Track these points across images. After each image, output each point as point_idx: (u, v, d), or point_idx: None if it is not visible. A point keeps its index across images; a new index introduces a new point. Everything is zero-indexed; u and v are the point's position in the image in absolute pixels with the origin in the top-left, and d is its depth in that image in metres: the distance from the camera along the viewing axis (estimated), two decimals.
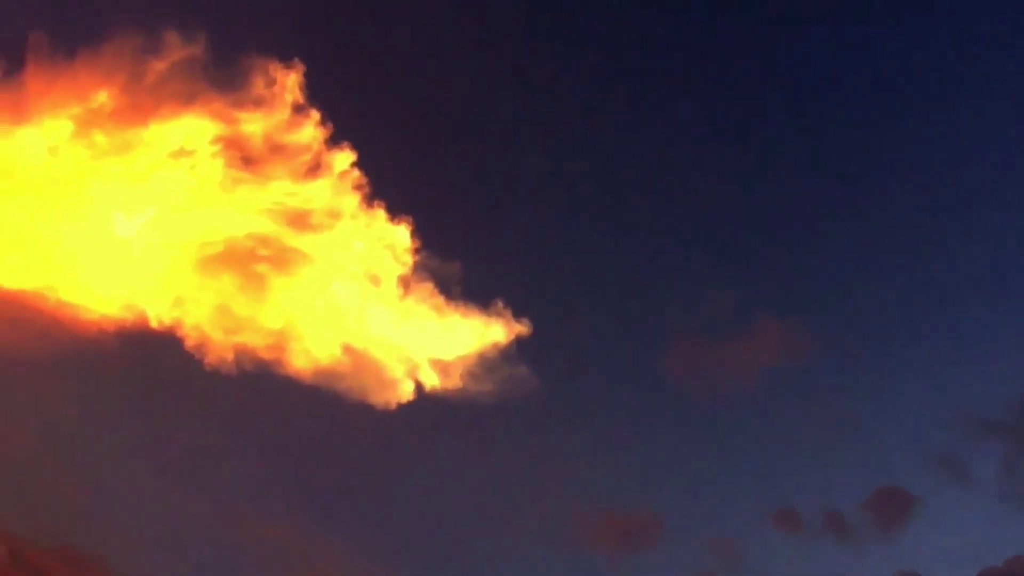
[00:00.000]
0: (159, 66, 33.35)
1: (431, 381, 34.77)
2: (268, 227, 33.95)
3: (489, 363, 34.97)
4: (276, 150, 33.77)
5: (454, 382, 34.88)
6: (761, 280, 40.04)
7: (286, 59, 33.59)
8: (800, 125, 41.18)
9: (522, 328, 34.99)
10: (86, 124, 33.62)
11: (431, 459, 36.26)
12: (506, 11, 38.34)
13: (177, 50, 33.25)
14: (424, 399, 34.59)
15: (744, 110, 40.42)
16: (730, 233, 39.95)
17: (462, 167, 37.67)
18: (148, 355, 34.37)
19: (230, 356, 33.73)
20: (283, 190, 33.89)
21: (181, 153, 33.61)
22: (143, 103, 33.56)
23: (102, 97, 33.52)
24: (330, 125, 33.81)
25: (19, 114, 33.74)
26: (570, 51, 39.13)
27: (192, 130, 33.56)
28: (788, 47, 41.30)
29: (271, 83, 33.51)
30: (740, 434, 39.38)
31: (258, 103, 33.53)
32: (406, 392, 34.59)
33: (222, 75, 33.48)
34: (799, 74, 41.36)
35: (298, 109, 33.70)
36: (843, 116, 41.34)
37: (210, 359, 33.65)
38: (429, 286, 34.45)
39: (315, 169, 33.89)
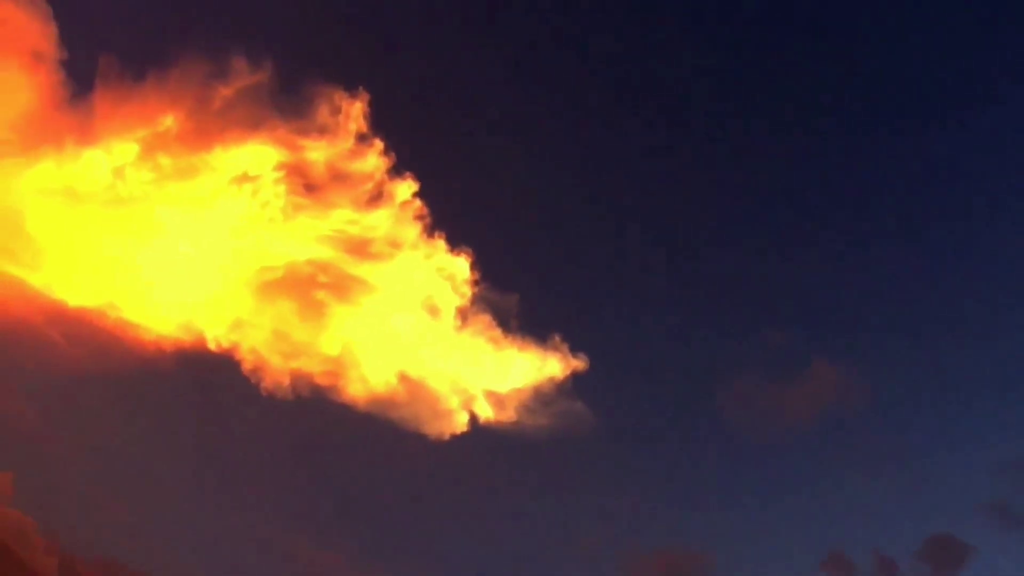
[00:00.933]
0: (225, 92, 33.68)
1: (486, 413, 34.76)
2: (328, 254, 34.10)
3: (544, 397, 34.86)
4: (338, 178, 33.98)
5: (509, 415, 34.81)
6: (817, 323, 39.67)
7: (351, 88, 33.87)
8: (870, 175, 40.90)
9: (579, 363, 34.84)
10: (152, 147, 33.97)
11: (483, 491, 36.24)
12: (566, 46, 38.43)
13: (243, 77, 33.58)
14: (478, 431, 34.60)
15: (810, 156, 40.16)
16: (789, 275, 39.63)
17: (523, 201, 37.63)
18: (205, 377, 34.78)
19: (286, 381, 33.92)
20: (344, 218, 34.02)
21: (244, 178, 33.88)
22: (208, 128, 33.89)
23: (168, 121, 33.89)
24: (393, 155, 34.05)
25: (87, 136, 34.24)
26: (634, 94, 39.13)
27: (256, 156, 33.82)
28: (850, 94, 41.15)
29: (335, 111, 33.74)
30: (793, 476, 38.97)
31: (322, 131, 33.76)
32: (460, 423, 34.61)
33: (287, 102, 33.81)
34: (870, 122, 41.07)
35: (362, 138, 33.95)
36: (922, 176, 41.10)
37: (266, 383, 33.87)
38: (487, 318, 34.44)
39: (377, 198, 34.07)
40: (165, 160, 33.96)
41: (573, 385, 34.64)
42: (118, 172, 33.90)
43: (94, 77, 33.72)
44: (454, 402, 34.49)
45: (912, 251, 41.45)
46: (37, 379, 34.45)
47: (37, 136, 34.09)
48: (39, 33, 33.90)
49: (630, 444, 37.76)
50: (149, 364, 34.20)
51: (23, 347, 34.12)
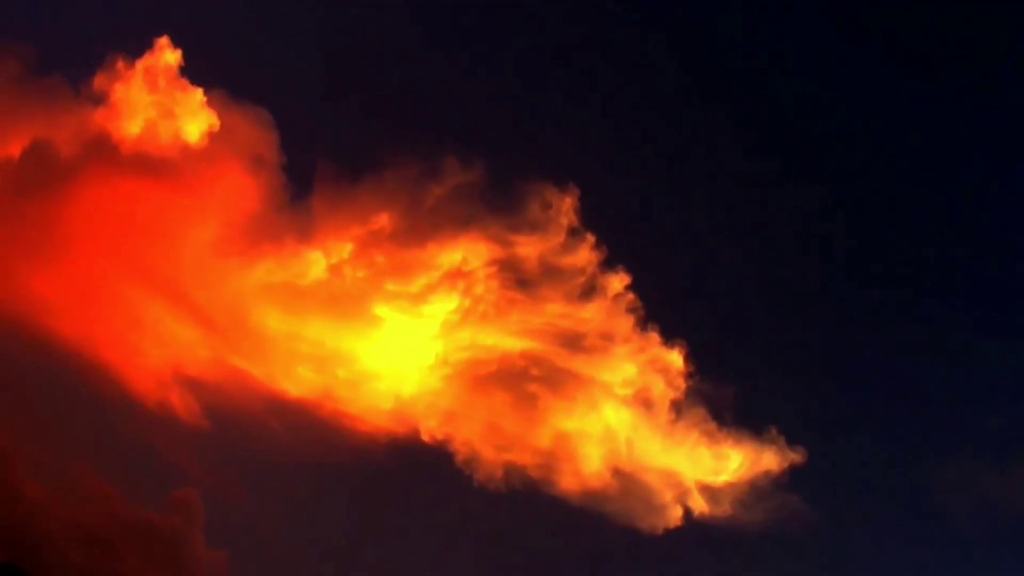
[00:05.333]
0: (438, 191, 34.86)
1: (700, 507, 34.25)
2: (541, 347, 34.59)
3: (761, 491, 34.09)
4: (551, 272, 34.51)
5: (724, 509, 34.17)
6: None
7: (561, 183, 34.50)
8: None
9: (796, 456, 33.99)
10: (367, 246, 35.38)
11: None
12: (780, 142, 38.07)
13: (456, 176, 34.71)
14: (692, 525, 34.04)
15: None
16: (1009, 353, 37.58)
17: (738, 292, 37.13)
18: (418, 468, 35.34)
19: (499, 473, 34.27)
20: (557, 312, 34.49)
21: (457, 274, 34.84)
22: (422, 226, 35.07)
23: (383, 220, 35.28)
24: (604, 248, 34.43)
25: (306, 235, 35.96)
26: (841, 188, 38.39)
27: (468, 252, 34.79)
28: None
29: (546, 207, 34.43)
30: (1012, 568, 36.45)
31: (533, 227, 34.47)
32: (674, 518, 34.19)
33: (499, 200, 34.68)
34: None
35: (573, 232, 34.45)
36: None
37: (479, 475, 34.32)
38: (701, 411, 34.10)
39: (589, 292, 34.45)
40: (380, 257, 35.32)
41: (791, 479, 33.84)
42: (335, 269, 35.44)
43: (312, 180, 35.79)
44: (668, 496, 34.16)
45: None
46: (256, 465, 35.86)
47: (259, 236, 36.13)
48: (262, 140, 36.19)
49: (850, 539, 36.21)
50: (364, 454, 35.27)
51: (244, 434, 35.75)
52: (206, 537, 35.03)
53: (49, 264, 35.17)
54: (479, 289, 34.65)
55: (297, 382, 35.63)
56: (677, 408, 34.13)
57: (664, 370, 34.05)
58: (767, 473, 34.05)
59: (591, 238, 34.27)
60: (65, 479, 33.79)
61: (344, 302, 35.59)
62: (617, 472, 34.11)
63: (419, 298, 35.06)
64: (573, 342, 34.33)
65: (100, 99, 36.13)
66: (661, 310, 34.01)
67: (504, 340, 34.61)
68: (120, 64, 36.33)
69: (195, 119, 36.35)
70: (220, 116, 36.19)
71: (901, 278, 38.22)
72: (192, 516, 35.53)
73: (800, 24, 39.81)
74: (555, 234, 34.28)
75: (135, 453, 34.80)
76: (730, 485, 34.15)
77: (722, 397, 34.05)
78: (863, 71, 39.86)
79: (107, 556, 33.46)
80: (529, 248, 34.39)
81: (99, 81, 36.12)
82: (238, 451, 35.52)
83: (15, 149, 35.20)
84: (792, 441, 34.03)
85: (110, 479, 34.15)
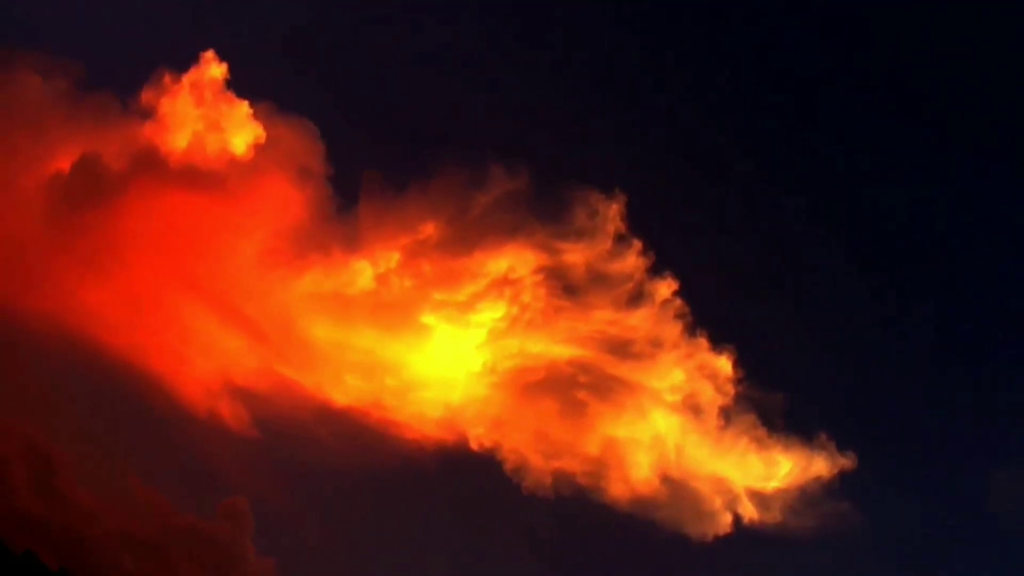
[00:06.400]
0: (484, 199, 35.04)
1: (750, 514, 34.14)
2: (589, 354, 34.63)
3: (811, 498, 33.91)
4: (598, 279, 34.60)
5: (774, 516, 34.04)
6: None
7: (608, 190, 34.59)
8: None
9: (847, 462, 33.80)
10: (414, 254, 35.64)
11: None
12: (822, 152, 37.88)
13: (501, 184, 34.86)
14: (742, 532, 33.94)
15: None
16: None
17: (786, 297, 37.05)
18: (466, 476, 35.47)
19: (548, 480, 34.33)
20: (604, 318, 34.54)
21: (504, 282, 34.98)
22: (468, 235, 35.26)
23: (429, 229, 35.54)
24: (652, 254, 34.49)
25: (352, 245, 36.29)
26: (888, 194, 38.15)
27: (515, 260, 34.91)
28: None
29: (593, 214, 34.51)
30: None
31: (580, 234, 34.58)
32: (724, 524, 34.11)
33: (545, 207, 34.80)
34: None
35: (620, 239, 34.54)
36: None
37: (528, 483, 34.38)
38: (751, 417, 33.98)
39: (637, 298, 34.48)
40: (427, 266, 35.56)
41: (841, 485, 33.66)
42: (382, 279, 35.71)
43: (359, 190, 36.09)
44: (717, 503, 34.14)
45: None
46: (304, 473, 36.13)
47: (307, 246, 36.45)
48: (308, 151, 36.54)
49: (901, 545, 35.92)
50: (412, 462, 35.42)
51: (292, 442, 36.02)
52: (255, 544, 35.52)
53: (99, 275, 35.75)
54: (526, 297, 34.84)
55: (345, 391, 35.90)
56: (726, 414, 34.16)
57: (713, 376, 34.07)
58: (817, 479, 33.97)
59: (638, 244, 34.47)
60: (116, 487, 34.37)
61: (391, 311, 35.87)
62: (666, 479, 34.13)
63: (466, 306, 35.26)
64: (621, 349, 34.43)
65: (148, 113, 36.85)
66: (709, 316, 34.16)
67: (552, 347, 34.75)
68: (167, 78, 36.95)
69: (241, 131, 36.82)
70: (266, 128, 36.68)
71: (953, 284, 38.03)
72: (241, 524, 35.89)
73: (844, 34, 39.74)
74: (602, 241, 34.46)
75: (185, 461, 35.36)
76: (780, 491, 34.11)
77: (771, 403, 34.01)
78: (907, 83, 39.61)
79: (157, 563, 33.91)
80: (576, 255, 34.58)
81: (147, 95, 36.80)
82: (287, 459, 35.92)
83: (65, 164, 35.93)
84: (842, 447, 33.98)
85: (160, 487, 34.69)
